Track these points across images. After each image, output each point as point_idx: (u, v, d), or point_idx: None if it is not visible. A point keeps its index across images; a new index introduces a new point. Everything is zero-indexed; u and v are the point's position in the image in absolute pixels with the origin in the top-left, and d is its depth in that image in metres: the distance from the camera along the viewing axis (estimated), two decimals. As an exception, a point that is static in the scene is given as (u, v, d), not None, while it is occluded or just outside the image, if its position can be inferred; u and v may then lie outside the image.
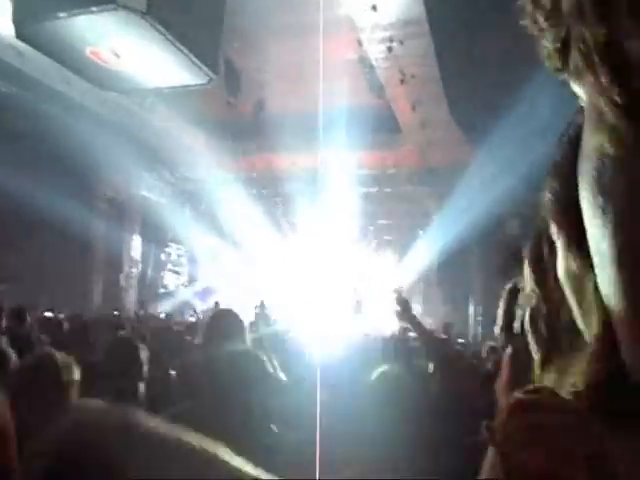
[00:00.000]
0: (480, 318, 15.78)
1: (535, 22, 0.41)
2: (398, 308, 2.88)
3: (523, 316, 1.07)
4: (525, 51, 0.40)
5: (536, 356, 1.02)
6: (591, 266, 0.54)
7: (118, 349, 2.86)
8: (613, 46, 0.32)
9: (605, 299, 0.38)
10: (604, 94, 0.33)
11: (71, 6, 8.64)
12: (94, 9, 8.56)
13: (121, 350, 2.84)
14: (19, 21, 9.11)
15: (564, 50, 0.38)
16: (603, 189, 0.36)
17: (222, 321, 2.67)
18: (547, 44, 0.40)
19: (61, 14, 8.82)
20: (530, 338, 1.03)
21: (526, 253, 1.05)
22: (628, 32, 0.31)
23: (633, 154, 0.33)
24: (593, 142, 0.36)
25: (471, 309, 16.30)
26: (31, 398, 1.84)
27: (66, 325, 5.90)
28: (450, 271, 16.11)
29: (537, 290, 1.01)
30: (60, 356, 2.19)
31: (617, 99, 0.32)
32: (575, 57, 0.36)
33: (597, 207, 0.36)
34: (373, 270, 18.49)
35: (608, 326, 0.37)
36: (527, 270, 1.05)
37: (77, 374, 2.15)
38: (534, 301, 1.02)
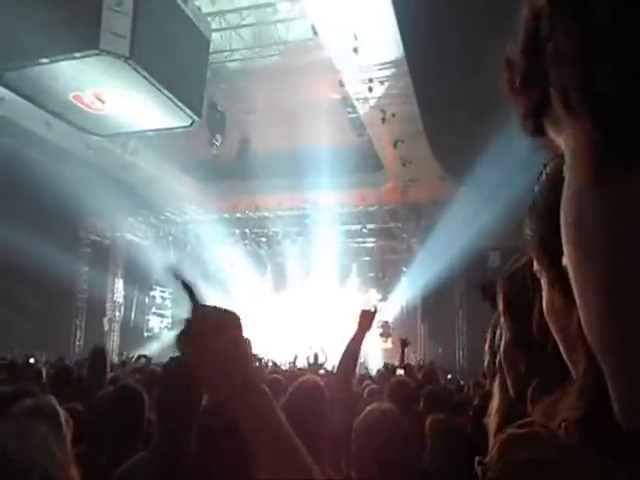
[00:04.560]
0: (466, 352, 15.73)
1: (512, 87, 0.43)
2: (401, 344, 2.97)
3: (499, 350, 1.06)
4: (504, 87, 0.42)
5: (512, 391, 1.01)
6: (575, 302, 0.55)
7: (126, 402, 2.46)
8: (592, 91, 0.33)
9: (585, 329, 0.39)
10: (585, 137, 0.34)
11: (53, 52, 8.66)
12: (77, 55, 8.60)
13: (128, 404, 2.46)
14: (0, 67, 9.13)
15: (540, 109, 0.40)
16: (582, 229, 0.37)
17: None
18: (523, 106, 0.42)
19: (43, 60, 8.85)
20: (506, 373, 1.03)
21: (500, 287, 1.04)
22: (608, 77, 0.32)
23: (610, 194, 0.34)
24: (573, 187, 0.37)
25: (457, 343, 16.23)
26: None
27: (47, 370, 5.75)
28: (434, 306, 16.09)
29: (512, 323, 1.01)
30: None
31: (598, 140, 0.34)
32: (555, 108, 0.37)
33: (576, 244, 0.38)
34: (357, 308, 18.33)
35: (593, 361, 0.37)
36: (501, 304, 1.04)
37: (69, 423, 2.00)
38: (508, 335, 1.02)
